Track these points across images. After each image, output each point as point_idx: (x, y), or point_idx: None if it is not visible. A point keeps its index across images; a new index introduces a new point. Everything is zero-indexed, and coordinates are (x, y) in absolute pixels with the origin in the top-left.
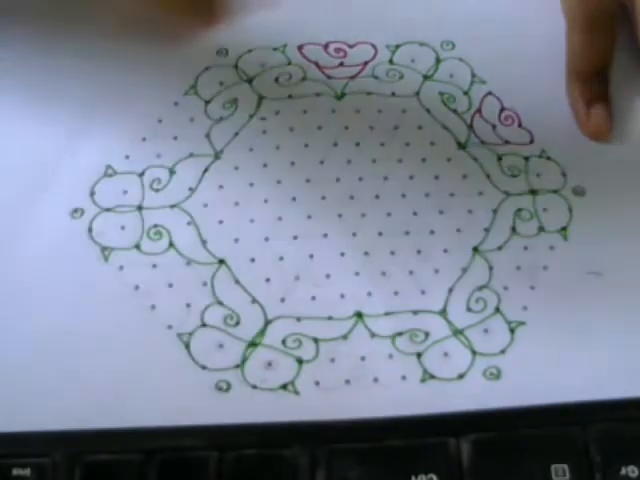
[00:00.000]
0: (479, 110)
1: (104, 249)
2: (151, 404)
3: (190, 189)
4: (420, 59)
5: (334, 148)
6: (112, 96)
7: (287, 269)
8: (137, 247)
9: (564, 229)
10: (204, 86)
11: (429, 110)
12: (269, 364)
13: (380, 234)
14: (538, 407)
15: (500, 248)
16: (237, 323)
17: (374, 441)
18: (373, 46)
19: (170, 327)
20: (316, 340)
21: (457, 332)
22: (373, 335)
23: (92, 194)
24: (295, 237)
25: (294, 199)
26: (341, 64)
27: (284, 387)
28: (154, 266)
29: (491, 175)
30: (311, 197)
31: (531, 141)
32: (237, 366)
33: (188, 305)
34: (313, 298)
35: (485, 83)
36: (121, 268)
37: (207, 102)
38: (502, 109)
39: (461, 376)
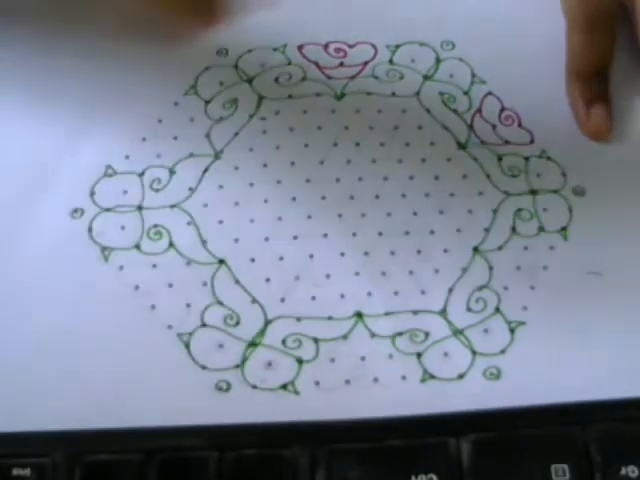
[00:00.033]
0: (479, 110)
1: (104, 249)
2: (151, 404)
3: (190, 189)
4: (420, 59)
5: (334, 148)
6: (112, 96)
7: (287, 269)
8: (137, 247)
9: (564, 229)
10: (204, 86)
11: (429, 110)
12: (269, 364)
13: (380, 234)
14: (538, 407)
15: (500, 248)
16: (237, 323)
17: (374, 441)
18: (373, 46)
19: (170, 327)
20: (316, 340)
21: (457, 332)
22: (373, 335)
23: (92, 194)
24: (295, 237)
25: (294, 199)
26: (341, 64)
27: (284, 387)
28: (154, 266)
29: (491, 175)
30: (311, 197)
31: (531, 141)
32: (237, 366)
33: (188, 305)
34: (313, 298)
35: (485, 83)
36: (121, 268)
37: (207, 102)
38: (502, 109)
39: (461, 376)
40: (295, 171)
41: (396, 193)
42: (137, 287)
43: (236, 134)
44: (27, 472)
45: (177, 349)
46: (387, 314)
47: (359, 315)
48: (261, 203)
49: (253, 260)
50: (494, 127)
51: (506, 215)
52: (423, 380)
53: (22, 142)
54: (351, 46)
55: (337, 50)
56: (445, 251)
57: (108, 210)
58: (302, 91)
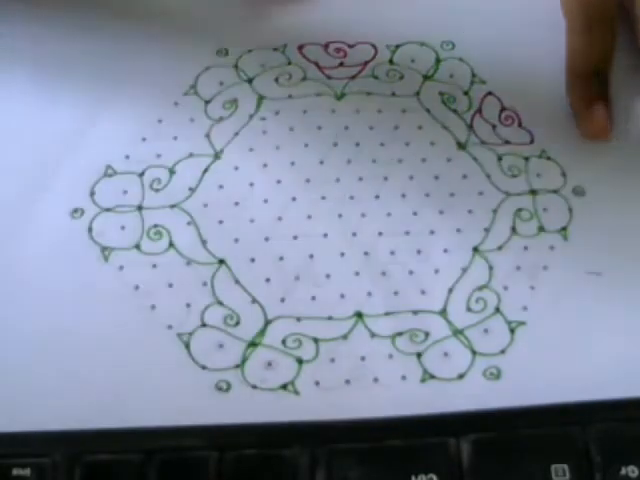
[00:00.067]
0: (479, 110)
1: (104, 249)
2: (151, 404)
3: (190, 189)
4: (420, 59)
5: (334, 148)
6: (112, 96)
7: (287, 269)
8: (137, 247)
9: (564, 229)
10: (204, 86)
11: (429, 110)
12: (269, 364)
13: (380, 234)
14: (538, 407)
15: (500, 248)
16: (237, 323)
17: (374, 441)
18: (373, 46)
19: (170, 327)
20: (316, 340)
21: (457, 332)
22: (373, 335)
23: (92, 194)
24: (295, 237)
25: (294, 199)
26: (341, 64)
27: (284, 387)
28: (154, 266)
29: (491, 175)
30: (311, 197)
31: (531, 141)
32: (237, 366)
33: (188, 305)
34: (313, 298)
35: (485, 83)
36: (121, 268)
37: (207, 102)
38: (502, 109)
39: (461, 376)
40: (295, 171)
41: (396, 193)
42: (137, 287)
43: (236, 134)
44: (27, 472)
45: (177, 349)
46: (387, 314)
47: (359, 315)
48: (261, 203)
49: (253, 260)
50: (494, 127)
51: (506, 215)
52: (423, 380)
53: (22, 142)
54: (351, 46)
55: (337, 50)
56: (445, 251)
57: (108, 210)
58: (302, 91)
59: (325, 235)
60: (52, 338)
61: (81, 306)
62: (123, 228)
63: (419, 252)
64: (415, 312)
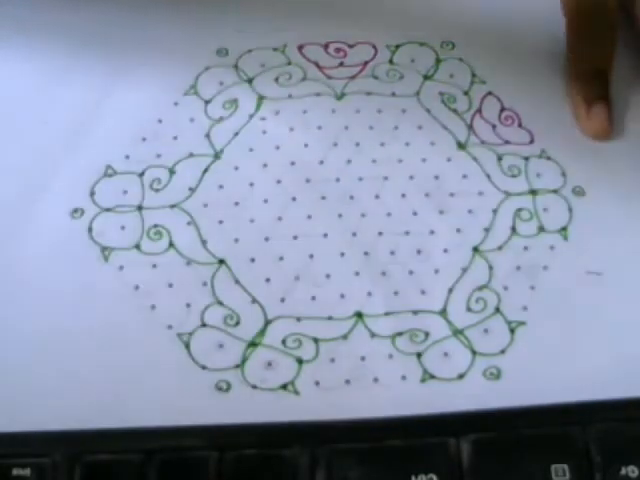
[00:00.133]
0: (479, 110)
1: (104, 249)
2: (151, 404)
3: (190, 189)
4: (420, 59)
5: (334, 148)
6: (112, 96)
7: (287, 269)
8: (137, 247)
9: (564, 229)
10: (204, 86)
11: (429, 110)
12: (269, 364)
13: (380, 234)
14: (538, 407)
15: (500, 248)
16: (237, 323)
17: (374, 441)
18: (373, 46)
19: (170, 327)
20: (316, 340)
21: (457, 332)
22: (373, 335)
23: (92, 194)
24: (295, 237)
25: (294, 199)
26: (341, 64)
27: (284, 387)
28: (154, 266)
29: (491, 175)
30: (311, 197)
31: (531, 141)
32: (237, 366)
33: (188, 305)
34: (313, 298)
35: (485, 83)
36: (121, 268)
37: (207, 102)
38: (502, 109)
39: (461, 376)
40: (295, 171)
41: (396, 193)
42: (137, 287)
43: (236, 134)
44: (27, 472)
45: (177, 349)
46: (387, 314)
47: (359, 315)
48: (261, 203)
49: (253, 260)
50: (494, 127)
51: (506, 215)
52: (423, 380)
53: (22, 142)
54: (351, 46)
55: (337, 50)
56: (445, 251)
57: (108, 210)
58: (302, 91)
59: (325, 235)
60: (52, 338)
61: (81, 306)
62: (123, 228)
63: (419, 252)
64: (415, 312)
